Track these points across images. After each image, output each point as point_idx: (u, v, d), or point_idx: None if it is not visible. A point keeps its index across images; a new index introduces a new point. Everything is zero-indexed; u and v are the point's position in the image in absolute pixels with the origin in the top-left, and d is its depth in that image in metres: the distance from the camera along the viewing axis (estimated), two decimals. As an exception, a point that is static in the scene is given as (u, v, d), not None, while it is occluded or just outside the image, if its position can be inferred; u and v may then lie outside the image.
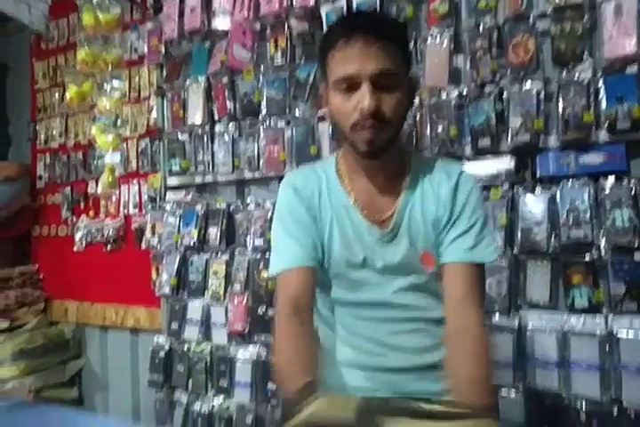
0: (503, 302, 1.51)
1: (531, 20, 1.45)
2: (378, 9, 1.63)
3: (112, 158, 2.03)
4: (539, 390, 1.45)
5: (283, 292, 0.96)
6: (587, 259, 1.41)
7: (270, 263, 1.01)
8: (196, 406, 2.06)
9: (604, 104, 1.36)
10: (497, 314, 1.52)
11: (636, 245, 1.34)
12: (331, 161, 1.05)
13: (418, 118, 1.62)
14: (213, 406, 2.03)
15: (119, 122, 2.03)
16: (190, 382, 2.11)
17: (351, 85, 0.90)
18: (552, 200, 1.46)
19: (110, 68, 1.94)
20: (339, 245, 0.98)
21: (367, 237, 0.98)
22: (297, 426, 0.75)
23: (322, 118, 1.80)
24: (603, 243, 1.39)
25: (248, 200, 2.03)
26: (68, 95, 1.94)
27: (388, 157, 0.96)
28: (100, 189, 2.05)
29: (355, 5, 1.70)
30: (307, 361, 0.89)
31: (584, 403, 1.39)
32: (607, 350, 1.37)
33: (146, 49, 2.26)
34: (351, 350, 1.01)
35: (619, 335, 1.36)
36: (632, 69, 1.32)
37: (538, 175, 1.48)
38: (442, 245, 0.97)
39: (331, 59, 0.93)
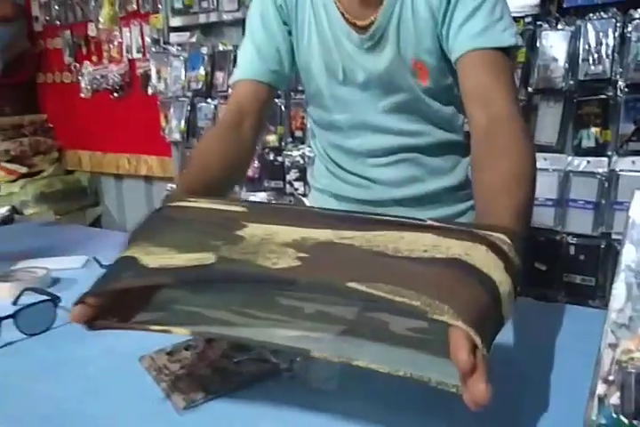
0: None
1: None
2: None
3: (110, -11, 1.90)
4: (535, 227, 1.52)
5: (228, 102, 0.89)
6: (601, 97, 1.38)
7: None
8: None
9: None
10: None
11: (654, 83, 1.30)
12: None
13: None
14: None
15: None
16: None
17: None
18: (575, 35, 1.38)
19: None
20: (317, 54, 0.85)
21: (346, 43, 0.83)
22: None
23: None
24: (620, 80, 1.35)
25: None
26: None
27: None
28: (100, 26, 1.95)
29: None
30: (212, 165, 0.76)
31: (575, 238, 1.47)
32: (606, 188, 1.41)
33: None
34: (331, 180, 0.97)
35: (620, 173, 1.39)
36: None
37: (564, 6, 1.38)
38: (448, 39, 0.77)
39: None
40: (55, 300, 0.73)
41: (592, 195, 1.43)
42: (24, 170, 2.58)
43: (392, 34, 0.80)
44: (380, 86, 0.84)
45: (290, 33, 0.87)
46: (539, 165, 1.45)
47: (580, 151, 1.44)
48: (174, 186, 0.77)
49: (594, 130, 1.41)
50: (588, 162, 1.43)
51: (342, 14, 0.82)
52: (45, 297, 0.75)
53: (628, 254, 0.47)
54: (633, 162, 1.37)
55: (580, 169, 1.44)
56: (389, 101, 0.85)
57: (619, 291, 0.46)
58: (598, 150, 1.41)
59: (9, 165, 2.56)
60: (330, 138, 0.94)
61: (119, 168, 2.62)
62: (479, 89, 0.72)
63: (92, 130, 2.66)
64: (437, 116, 0.87)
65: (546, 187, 1.48)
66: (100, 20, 1.99)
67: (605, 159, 1.41)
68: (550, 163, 1.48)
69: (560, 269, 1.48)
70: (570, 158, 1.46)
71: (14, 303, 0.80)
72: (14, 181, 2.56)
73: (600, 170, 1.42)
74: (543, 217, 1.50)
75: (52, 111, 2.83)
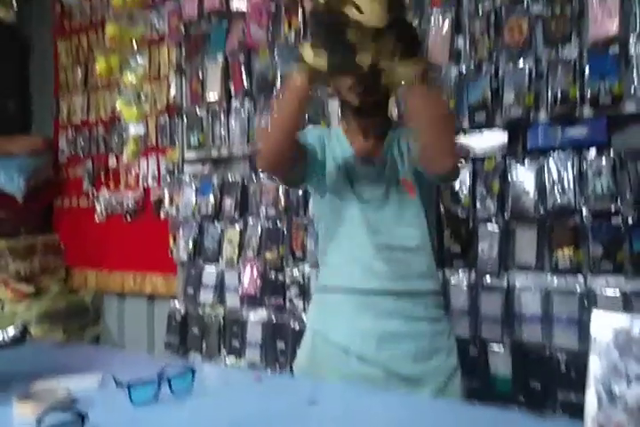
0: (494, 264, 1.65)
1: (525, 3, 1.58)
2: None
3: (136, 130, 2.18)
4: (524, 344, 1.60)
5: None
6: (570, 223, 1.55)
7: None
8: (210, 367, 2.23)
9: (588, 81, 1.49)
10: (488, 275, 1.67)
11: (613, 211, 1.48)
12: (337, 129, 1.29)
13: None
14: (226, 365, 2.18)
15: (142, 97, 2.17)
16: (204, 343, 2.27)
17: None
18: (540, 170, 1.59)
19: (135, 45, 2.07)
20: (334, 173, 1.20)
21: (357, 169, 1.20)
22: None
23: (332, 95, 1.93)
24: (584, 209, 1.53)
25: (261, 173, 2.18)
26: (97, 69, 2.09)
27: (377, 118, 1.20)
28: (124, 159, 2.21)
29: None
30: None
31: (564, 355, 1.53)
32: (585, 305, 1.52)
33: (166, 28, 2.40)
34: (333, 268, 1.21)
35: (596, 292, 1.50)
36: (614, 50, 1.45)
37: (528, 148, 1.62)
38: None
39: None
40: (83, 418, 0.77)
41: (574, 312, 1.52)
42: (31, 290, 2.67)
43: (388, 166, 1.17)
44: (380, 199, 1.17)
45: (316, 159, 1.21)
46: (522, 283, 1.58)
47: (557, 271, 1.57)
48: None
49: (567, 251, 1.55)
50: (566, 281, 1.55)
51: (357, 157, 1.20)
52: (70, 416, 0.79)
53: (594, 367, 0.56)
54: (607, 281, 1.50)
55: (560, 288, 1.56)
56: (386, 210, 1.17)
57: (590, 400, 0.54)
58: (574, 270, 1.54)
59: (17, 285, 2.65)
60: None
61: (124, 286, 2.71)
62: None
63: (102, 250, 2.81)
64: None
65: (530, 304, 1.59)
66: (124, 155, 2.25)
67: (581, 278, 1.53)
68: (531, 281, 1.60)
69: (554, 386, 1.52)
70: (549, 278, 1.58)
71: (38, 423, 0.83)
72: (20, 300, 2.63)
73: (578, 288, 1.53)
74: (530, 333, 1.58)
75: (64, 232, 3.01)
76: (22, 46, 3.22)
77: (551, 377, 1.54)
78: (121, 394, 0.95)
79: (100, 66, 2.07)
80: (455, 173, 1.14)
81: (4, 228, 2.78)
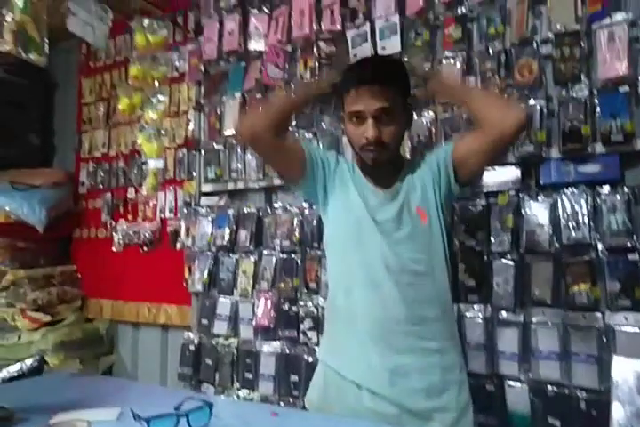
0: (509, 299, 1.65)
1: (535, 44, 1.63)
2: (383, 56, 1.77)
3: (156, 164, 2.24)
4: (542, 380, 1.58)
5: None
6: (586, 259, 1.55)
7: None
8: (222, 398, 2.21)
9: (599, 119, 1.52)
10: (503, 310, 1.66)
11: (629, 246, 1.48)
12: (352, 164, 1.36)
13: (433, 131, 1.80)
14: (238, 397, 2.17)
15: (162, 132, 2.25)
16: (217, 375, 2.26)
17: (359, 118, 1.20)
18: (554, 205, 1.61)
19: (157, 84, 2.16)
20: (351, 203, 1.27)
21: (372, 198, 1.27)
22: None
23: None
24: (600, 244, 1.54)
25: (276, 205, 2.21)
26: (120, 107, 2.18)
27: (389, 165, 1.27)
28: (144, 192, 2.26)
29: (377, 31, 1.90)
30: None
31: (585, 393, 1.51)
32: (605, 342, 1.50)
33: (187, 67, 2.50)
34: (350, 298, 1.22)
35: (615, 329, 1.49)
36: (624, 89, 1.49)
37: (541, 183, 1.64)
38: (448, 171, 1.26)
39: (346, 96, 1.23)
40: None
41: (593, 349, 1.51)
42: (48, 318, 2.70)
43: (402, 195, 1.24)
44: (394, 223, 1.22)
45: (325, 184, 1.30)
46: (538, 319, 1.57)
47: (574, 307, 1.56)
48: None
49: (584, 287, 1.55)
50: (584, 317, 1.54)
51: (374, 191, 1.27)
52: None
53: (616, 412, 0.56)
54: (625, 318, 1.49)
55: (578, 324, 1.54)
56: (400, 234, 1.22)
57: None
58: (591, 306, 1.53)
59: (34, 314, 2.68)
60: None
61: (139, 316, 2.73)
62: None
63: (118, 280, 2.84)
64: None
65: (547, 340, 1.57)
66: (144, 188, 2.31)
67: (599, 314, 1.52)
68: (548, 317, 1.59)
69: (574, 425, 1.49)
70: (566, 313, 1.57)
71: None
72: (36, 329, 2.66)
73: (596, 325, 1.52)
74: (548, 370, 1.56)
75: (82, 262, 3.05)
76: (48, 83, 3.36)
77: (571, 415, 1.51)
78: (139, 428, 0.96)
79: (122, 104, 2.15)
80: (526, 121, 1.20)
81: (25, 258, 2.83)
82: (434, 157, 1.29)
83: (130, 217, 2.83)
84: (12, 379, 1.44)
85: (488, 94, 1.27)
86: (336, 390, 1.19)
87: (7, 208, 2.73)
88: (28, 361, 1.59)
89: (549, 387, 1.57)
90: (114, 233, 2.81)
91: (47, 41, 1.42)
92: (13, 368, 1.49)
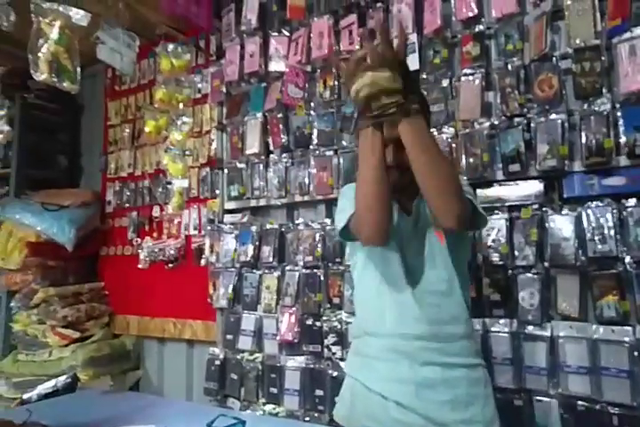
0: (535, 312, 1.64)
1: (554, 60, 1.65)
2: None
3: (181, 184, 2.30)
4: (572, 395, 1.56)
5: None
6: (613, 272, 1.54)
7: (336, 222, 1.29)
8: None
9: (622, 132, 1.52)
10: (529, 324, 1.65)
11: (657, 259, 1.47)
12: None
13: (454, 146, 1.81)
14: (264, 411, 2.18)
15: (187, 152, 2.31)
16: (243, 390, 2.27)
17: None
18: (578, 219, 1.61)
19: (182, 106, 2.23)
20: None
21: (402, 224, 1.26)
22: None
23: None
24: (627, 257, 1.52)
25: (297, 221, 2.24)
26: (147, 129, 2.24)
27: (410, 185, 1.18)
28: (170, 210, 2.32)
29: (396, 49, 1.93)
30: None
31: (617, 408, 1.49)
32: (636, 356, 1.48)
33: (209, 89, 2.57)
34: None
35: (646, 343, 1.47)
36: (646, 101, 1.49)
37: (564, 196, 1.64)
38: None
39: None
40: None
41: (624, 363, 1.49)
42: (77, 335, 2.75)
43: (422, 212, 1.22)
44: (414, 242, 1.23)
45: None
46: (566, 333, 1.55)
47: (602, 320, 1.54)
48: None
49: (612, 300, 1.54)
50: (613, 331, 1.52)
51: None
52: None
53: None
54: (656, 331, 1.47)
55: (607, 338, 1.53)
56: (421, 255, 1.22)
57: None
58: (620, 320, 1.52)
59: (64, 331, 2.74)
60: None
61: (164, 332, 2.77)
62: None
63: (144, 296, 2.89)
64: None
65: (576, 355, 1.56)
66: (169, 207, 2.36)
67: (629, 328, 1.50)
68: (576, 331, 1.58)
69: (607, 442, 1.46)
70: (594, 327, 1.56)
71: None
72: (66, 345, 2.71)
73: (627, 338, 1.50)
74: (578, 385, 1.54)
75: (108, 279, 3.12)
76: (75, 107, 3.47)
77: (603, 431, 1.49)
78: (174, 446, 0.99)
79: (149, 126, 2.22)
80: (469, 223, 1.11)
81: (55, 276, 2.90)
82: None
83: (155, 235, 2.89)
84: (47, 396, 1.49)
85: (437, 172, 1.04)
86: (363, 402, 1.20)
87: (38, 228, 2.81)
88: (62, 378, 1.63)
89: (579, 402, 1.55)
90: (139, 250, 2.86)
91: (79, 69, 1.48)
92: (48, 385, 1.54)
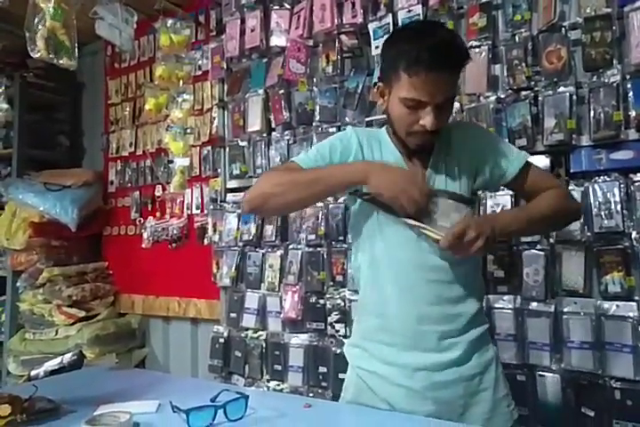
0: (540, 288, 1.64)
1: (563, 30, 1.60)
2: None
3: (182, 162, 2.28)
4: (575, 370, 1.56)
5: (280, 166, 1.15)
6: (619, 247, 1.52)
7: (303, 154, 1.20)
8: (252, 390, 2.25)
9: (632, 105, 1.49)
10: (534, 301, 1.65)
11: (665, 234, 1.45)
12: (383, 132, 1.22)
13: (459, 120, 1.78)
14: (268, 388, 2.20)
15: (188, 131, 2.28)
16: (247, 367, 2.29)
17: (417, 105, 1.04)
18: (585, 194, 1.58)
19: (182, 83, 2.19)
20: None
21: None
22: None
23: (369, 124, 1.98)
24: (634, 232, 1.51)
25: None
26: (147, 107, 2.21)
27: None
28: (172, 190, 2.30)
29: (400, 22, 1.88)
30: None
31: (619, 383, 1.49)
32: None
33: (209, 66, 2.52)
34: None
35: (651, 318, 1.46)
36: (658, 73, 1.45)
37: (571, 171, 1.62)
38: (493, 173, 1.17)
39: (401, 76, 1.03)
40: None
41: (627, 338, 1.48)
42: (82, 314, 2.77)
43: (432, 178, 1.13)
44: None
45: None
46: (570, 308, 1.53)
47: (607, 296, 1.53)
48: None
49: (617, 276, 1.53)
50: (617, 306, 1.52)
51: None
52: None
53: None
54: (661, 306, 1.46)
55: (611, 313, 1.52)
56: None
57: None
58: (625, 295, 1.51)
59: (69, 310, 2.76)
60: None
61: (169, 311, 2.79)
62: (541, 186, 1.19)
63: (148, 276, 2.90)
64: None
65: (580, 330, 1.56)
66: (171, 186, 2.35)
67: (634, 304, 1.50)
68: (580, 307, 1.57)
69: (609, 416, 1.47)
70: (599, 302, 1.55)
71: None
72: (72, 324, 2.74)
73: (631, 314, 1.49)
74: (582, 360, 1.54)
75: (112, 259, 3.13)
76: (75, 86, 3.43)
77: (605, 405, 1.50)
78: (178, 419, 0.99)
79: (149, 104, 2.19)
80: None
81: (59, 255, 2.91)
82: (490, 157, 1.16)
83: (158, 214, 2.88)
84: (53, 372, 1.49)
85: (550, 227, 1.31)
86: (370, 386, 1.18)
87: (41, 208, 2.81)
88: (68, 355, 1.64)
89: (582, 377, 1.55)
90: (143, 230, 2.87)
91: (77, 45, 1.45)
92: (54, 362, 1.55)
